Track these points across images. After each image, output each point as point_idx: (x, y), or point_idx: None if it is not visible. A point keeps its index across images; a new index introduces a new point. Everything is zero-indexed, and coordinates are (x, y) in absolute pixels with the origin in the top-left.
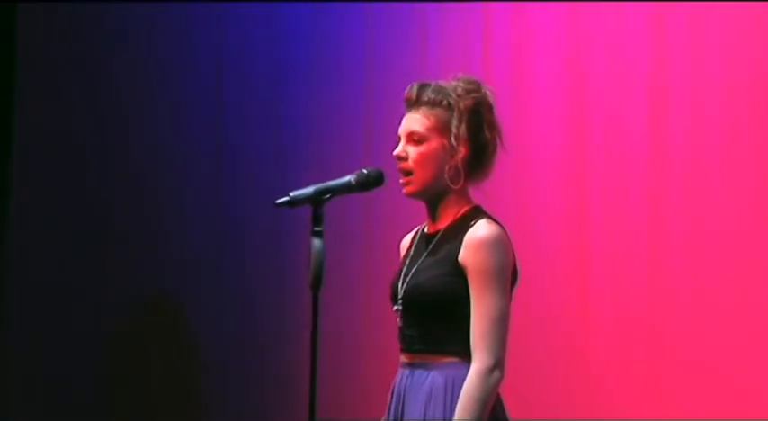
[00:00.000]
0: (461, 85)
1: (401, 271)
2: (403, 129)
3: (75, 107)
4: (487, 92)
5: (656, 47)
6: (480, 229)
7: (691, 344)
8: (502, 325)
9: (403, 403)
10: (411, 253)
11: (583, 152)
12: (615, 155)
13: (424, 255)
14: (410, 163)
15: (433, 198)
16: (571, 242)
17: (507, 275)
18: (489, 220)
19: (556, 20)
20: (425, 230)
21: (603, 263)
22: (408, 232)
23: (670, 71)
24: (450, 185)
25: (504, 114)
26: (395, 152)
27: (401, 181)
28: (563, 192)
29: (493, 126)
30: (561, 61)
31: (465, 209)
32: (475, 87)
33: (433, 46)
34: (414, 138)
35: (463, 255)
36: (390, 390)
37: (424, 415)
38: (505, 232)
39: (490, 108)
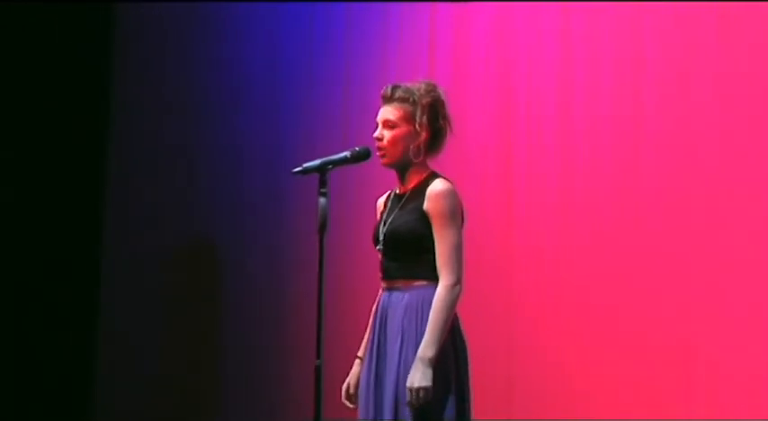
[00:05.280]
0: (423, 86)
1: (381, 221)
2: (380, 118)
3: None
4: (442, 92)
5: (563, 45)
6: (438, 185)
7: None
8: (459, 252)
9: (385, 318)
10: (388, 207)
11: (508, 134)
12: (535, 134)
13: (396, 209)
14: (385, 143)
15: (402, 168)
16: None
17: (460, 217)
18: (444, 179)
19: (487, 20)
20: (396, 192)
21: (525, 224)
22: (381, 195)
23: (573, 63)
24: (413, 159)
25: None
26: (374, 135)
27: (378, 154)
28: (493, 169)
29: (445, 117)
30: (493, 56)
31: (425, 175)
32: (433, 88)
33: (392, 42)
34: (388, 125)
35: (427, 204)
36: (373, 311)
37: (402, 325)
38: (455, 187)
39: (443, 104)
